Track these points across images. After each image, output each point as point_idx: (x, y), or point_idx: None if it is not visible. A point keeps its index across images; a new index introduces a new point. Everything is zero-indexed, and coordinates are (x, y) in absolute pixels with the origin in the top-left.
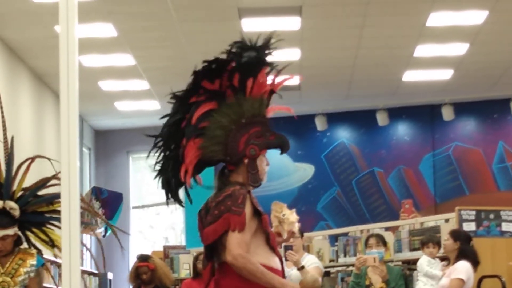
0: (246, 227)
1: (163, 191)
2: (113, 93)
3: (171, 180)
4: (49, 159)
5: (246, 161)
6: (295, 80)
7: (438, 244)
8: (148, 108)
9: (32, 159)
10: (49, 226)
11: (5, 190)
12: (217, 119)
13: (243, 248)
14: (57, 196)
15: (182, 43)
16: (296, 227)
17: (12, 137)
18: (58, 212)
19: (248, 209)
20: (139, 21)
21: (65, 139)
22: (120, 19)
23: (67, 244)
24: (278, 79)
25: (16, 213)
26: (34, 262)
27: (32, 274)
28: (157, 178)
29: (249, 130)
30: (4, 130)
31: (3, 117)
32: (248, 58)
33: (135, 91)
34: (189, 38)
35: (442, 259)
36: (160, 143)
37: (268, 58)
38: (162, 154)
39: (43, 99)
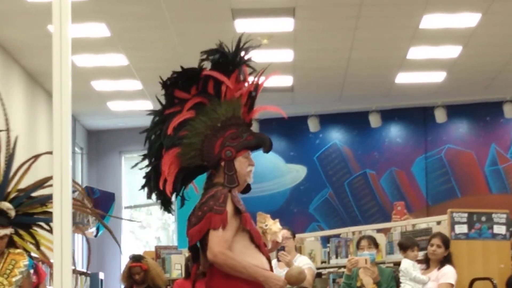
0: (227, 225)
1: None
2: (106, 93)
3: (156, 192)
4: (48, 152)
5: (222, 163)
6: (288, 81)
7: (418, 247)
8: (140, 108)
9: (35, 157)
10: (35, 227)
11: (0, 191)
12: (194, 126)
13: (223, 245)
14: (50, 196)
15: (176, 43)
16: (280, 237)
17: (16, 138)
18: (49, 213)
19: (229, 208)
20: (132, 21)
21: (58, 139)
22: (113, 19)
23: (58, 244)
24: (259, 81)
25: (12, 213)
26: (27, 263)
27: (25, 275)
28: (143, 189)
29: (225, 133)
30: (8, 131)
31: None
32: (217, 63)
33: (128, 91)
34: (182, 38)
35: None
36: (144, 158)
37: (239, 61)
38: (146, 167)
39: (36, 99)
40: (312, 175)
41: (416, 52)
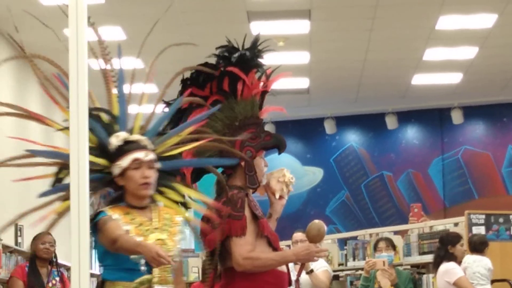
0: (247, 230)
1: None
2: None
3: None
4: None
5: (242, 163)
6: (304, 83)
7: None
8: (156, 111)
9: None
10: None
11: (121, 126)
12: (210, 124)
13: (245, 249)
14: (187, 124)
15: (191, 46)
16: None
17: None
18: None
19: (247, 212)
20: (148, 24)
21: (75, 142)
22: (128, 22)
23: (76, 247)
24: (270, 79)
25: (147, 143)
26: (181, 219)
27: (188, 234)
28: None
29: (244, 133)
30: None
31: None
32: (236, 61)
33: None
34: (198, 41)
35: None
36: None
37: (256, 60)
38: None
39: (53, 103)
40: (329, 177)
41: (432, 53)
